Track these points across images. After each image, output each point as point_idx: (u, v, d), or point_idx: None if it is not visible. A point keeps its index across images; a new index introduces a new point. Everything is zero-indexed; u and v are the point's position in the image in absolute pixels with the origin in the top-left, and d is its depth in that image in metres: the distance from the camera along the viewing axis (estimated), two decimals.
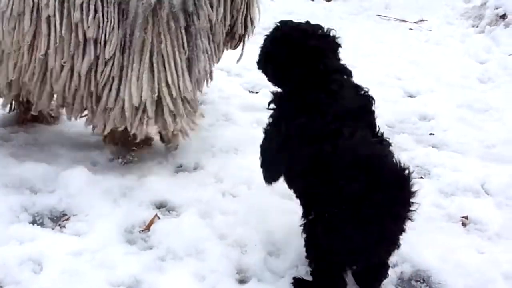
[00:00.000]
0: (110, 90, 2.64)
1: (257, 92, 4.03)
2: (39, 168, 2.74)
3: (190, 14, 2.68)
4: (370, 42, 5.64)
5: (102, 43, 2.55)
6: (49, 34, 2.52)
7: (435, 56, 5.40)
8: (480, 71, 4.99)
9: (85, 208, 2.52)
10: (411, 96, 4.32)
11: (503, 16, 6.00)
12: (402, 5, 7.63)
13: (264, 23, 5.95)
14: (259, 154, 2.22)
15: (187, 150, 3.05)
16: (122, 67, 2.61)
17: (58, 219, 2.48)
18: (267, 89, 2.71)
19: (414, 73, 4.80)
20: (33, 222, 2.44)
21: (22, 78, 2.64)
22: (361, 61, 4.96)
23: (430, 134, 3.63)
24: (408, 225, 2.55)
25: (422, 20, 6.79)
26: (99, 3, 2.52)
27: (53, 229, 2.41)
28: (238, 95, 3.95)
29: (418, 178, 3.01)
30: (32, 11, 2.50)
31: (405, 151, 3.33)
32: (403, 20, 6.82)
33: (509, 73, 4.85)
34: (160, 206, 2.61)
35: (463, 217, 2.69)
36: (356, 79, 4.55)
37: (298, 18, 6.96)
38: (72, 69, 2.59)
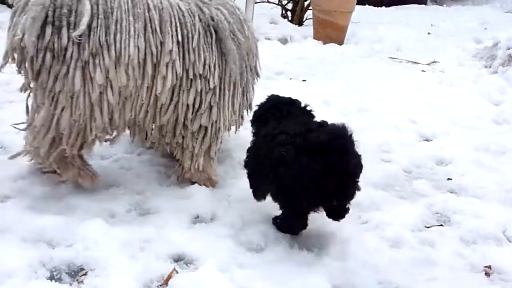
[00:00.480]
0: (209, 114, 3.07)
1: None
2: (57, 221, 2.72)
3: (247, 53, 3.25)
4: (382, 84, 5.65)
5: (208, 77, 3.01)
6: (167, 76, 2.89)
7: (449, 98, 5.40)
8: (495, 112, 4.99)
9: (103, 262, 2.49)
10: (427, 140, 4.30)
11: None
12: (413, 47, 7.69)
13: (276, 68, 6.05)
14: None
15: (203, 200, 3.03)
16: (219, 95, 3.09)
17: (76, 273, 2.46)
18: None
19: (429, 116, 4.80)
20: (51, 277, 2.41)
21: (136, 117, 2.98)
22: (374, 104, 4.96)
23: (448, 179, 3.60)
24: (430, 276, 2.54)
25: (434, 62, 6.81)
26: (205, 45, 2.99)
27: (70, 285, 2.37)
28: None
29: (438, 225, 2.98)
30: (152, 58, 2.83)
31: (424, 197, 3.30)
32: (415, 62, 6.85)
33: None
34: (178, 259, 2.58)
35: (486, 266, 2.63)
36: (371, 123, 4.53)
37: (310, 62, 7.01)
38: (177, 103, 3.00)
